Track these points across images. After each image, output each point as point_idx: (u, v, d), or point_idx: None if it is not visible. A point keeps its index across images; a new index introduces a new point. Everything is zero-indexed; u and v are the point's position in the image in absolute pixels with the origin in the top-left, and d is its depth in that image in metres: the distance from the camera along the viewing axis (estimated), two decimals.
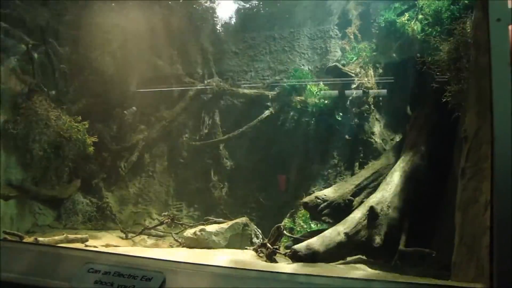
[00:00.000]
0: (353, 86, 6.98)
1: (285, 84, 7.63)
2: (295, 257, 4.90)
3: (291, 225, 6.32)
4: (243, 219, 6.23)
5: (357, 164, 6.86)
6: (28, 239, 5.82)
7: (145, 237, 6.88)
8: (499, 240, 2.33)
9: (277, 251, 5.18)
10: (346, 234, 5.06)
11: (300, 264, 4.76)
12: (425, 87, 5.54)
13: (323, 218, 5.83)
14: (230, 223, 6.18)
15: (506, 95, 2.31)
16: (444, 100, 4.70)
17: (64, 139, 6.88)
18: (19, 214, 6.95)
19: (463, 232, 3.54)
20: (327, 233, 5.16)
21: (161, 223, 7.10)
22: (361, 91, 6.94)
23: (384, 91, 7.06)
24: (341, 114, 7.09)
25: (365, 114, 7.03)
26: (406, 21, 6.18)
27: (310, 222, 6.27)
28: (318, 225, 6.13)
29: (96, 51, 7.80)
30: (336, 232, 5.10)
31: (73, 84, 7.82)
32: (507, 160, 2.29)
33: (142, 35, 7.81)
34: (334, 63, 7.21)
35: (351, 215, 5.31)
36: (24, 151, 6.90)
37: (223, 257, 5.14)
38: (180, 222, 7.08)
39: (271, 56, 8.14)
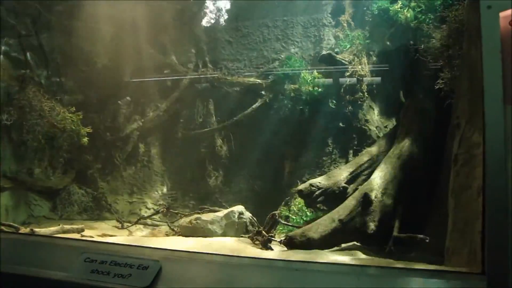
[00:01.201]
0: (347, 74, 6.97)
1: (279, 72, 7.62)
2: (290, 244, 4.94)
3: (286, 213, 6.34)
4: (238, 207, 6.25)
5: (351, 151, 6.88)
6: (24, 230, 5.83)
7: (141, 226, 6.91)
8: (490, 226, 2.36)
9: (273, 238, 5.22)
10: (340, 221, 5.09)
11: (295, 251, 4.80)
12: (419, 74, 5.57)
13: (317, 205, 5.87)
14: (225, 211, 6.21)
15: (497, 82, 2.33)
16: (437, 87, 4.72)
17: (58, 130, 6.87)
18: (14, 205, 6.96)
19: (456, 217, 3.58)
20: (322, 220, 5.20)
21: (157, 213, 7.14)
22: (355, 78, 6.94)
23: (378, 78, 7.06)
24: (335, 102, 7.10)
25: (359, 102, 7.03)
26: (399, 9, 6.17)
27: (306, 209, 6.29)
28: (313, 212, 6.15)
29: (89, 41, 7.75)
30: (330, 219, 5.14)
31: (66, 74, 7.80)
32: (498, 146, 2.32)
33: (135, 25, 7.78)
34: (327, 51, 7.19)
35: (346, 202, 5.34)
36: (18, 143, 6.90)
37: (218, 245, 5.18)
38: (176, 211, 7.11)
39: (265, 45, 8.12)
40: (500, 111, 2.32)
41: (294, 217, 6.25)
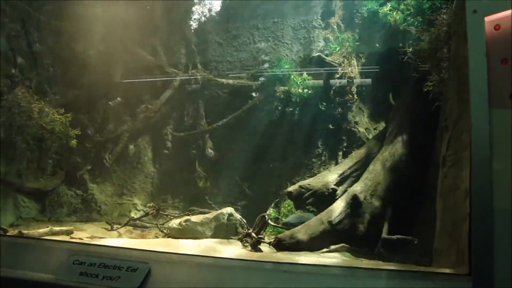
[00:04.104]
0: (337, 75, 7.01)
1: (269, 74, 7.63)
2: (279, 246, 4.95)
3: (276, 215, 6.35)
4: (228, 209, 6.25)
5: (340, 153, 6.92)
6: (12, 232, 5.79)
7: (131, 228, 6.89)
8: (476, 227, 2.38)
9: (262, 240, 5.23)
10: (329, 222, 5.12)
11: (285, 252, 4.81)
12: (407, 76, 5.59)
13: (307, 207, 5.89)
14: (215, 213, 6.22)
15: (483, 85, 2.36)
16: (425, 89, 4.75)
17: (47, 131, 6.84)
18: (2, 207, 6.90)
19: (444, 219, 3.60)
20: (311, 222, 5.22)
21: (146, 214, 7.12)
22: (344, 80, 6.98)
23: (367, 80, 7.11)
24: (324, 103, 7.13)
25: (349, 104, 7.08)
26: (388, 11, 6.21)
27: (295, 211, 6.30)
28: None
29: (79, 41, 7.73)
30: (320, 221, 5.16)
31: (56, 75, 7.76)
32: (484, 149, 2.35)
33: (125, 26, 7.77)
34: (317, 53, 7.22)
35: (335, 204, 5.36)
36: (7, 144, 6.84)
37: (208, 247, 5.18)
38: (165, 213, 7.11)
39: (255, 46, 8.13)
40: (486, 114, 2.34)
41: (283, 219, 6.26)
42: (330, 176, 5.98)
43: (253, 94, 7.73)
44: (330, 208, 5.33)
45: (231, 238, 5.82)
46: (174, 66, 8.32)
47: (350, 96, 7.02)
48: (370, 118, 7.30)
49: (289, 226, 5.46)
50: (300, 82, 7.17)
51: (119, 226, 6.86)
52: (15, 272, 3.09)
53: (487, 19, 2.40)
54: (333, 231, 5.10)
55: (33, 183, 7.36)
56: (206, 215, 6.22)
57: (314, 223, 5.16)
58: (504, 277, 2.26)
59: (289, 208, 6.33)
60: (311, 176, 6.50)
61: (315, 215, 5.53)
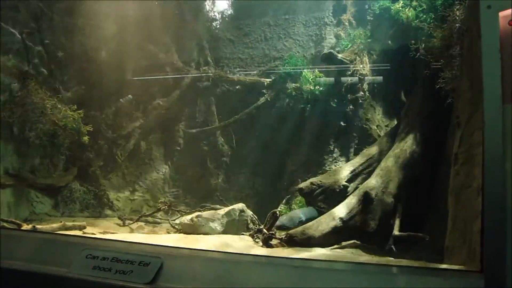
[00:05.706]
0: (348, 73, 7.00)
1: (280, 71, 7.63)
2: (291, 242, 4.96)
3: (287, 211, 6.36)
4: (239, 205, 6.26)
5: (352, 150, 6.91)
6: (26, 226, 5.84)
7: (142, 224, 6.92)
8: (488, 224, 2.38)
9: (273, 236, 5.23)
10: (341, 219, 5.11)
11: (296, 248, 4.82)
12: (419, 73, 5.57)
13: (318, 203, 5.89)
14: (226, 209, 6.22)
15: (496, 81, 2.34)
16: (437, 86, 4.73)
17: (59, 128, 6.88)
18: (16, 202, 6.97)
19: (456, 216, 3.59)
20: (323, 218, 5.22)
21: (158, 210, 7.15)
22: (356, 78, 6.96)
23: (379, 77, 7.08)
24: (336, 101, 7.11)
25: (360, 101, 7.05)
26: (400, 8, 6.19)
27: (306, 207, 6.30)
28: None
29: (91, 38, 7.77)
30: (331, 218, 5.16)
31: (68, 72, 7.81)
32: (497, 146, 2.33)
33: (137, 23, 7.79)
34: (329, 50, 7.22)
35: (346, 201, 5.36)
36: (20, 140, 6.90)
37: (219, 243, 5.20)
38: (177, 209, 7.14)
39: (266, 43, 8.14)
40: (499, 110, 2.33)
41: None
42: (341, 173, 5.98)
43: (265, 91, 7.73)
44: (341, 204, 5.33)
45: (243, 234, 5.83)
46: (185, 63, 8.35)
47: (362, 93, 7.00)
48: (381, 115, 7.27)
49: (283, 229, 5.45)
50: (311, 79, 7.16)
51: (131, 222, 6.90)
52: (29, 266, 3.13)
53: (501, 14, 2.38)
54: (344, 227, 5.10)
55: (46, 178, 7.41)
56: (218, 211, 6.23)
57: (325, 220, 5.17)
58: None
59: (300, 204, 6.34)
60: (323, 173, 6.50)
61: (304, 211, 5.58)
